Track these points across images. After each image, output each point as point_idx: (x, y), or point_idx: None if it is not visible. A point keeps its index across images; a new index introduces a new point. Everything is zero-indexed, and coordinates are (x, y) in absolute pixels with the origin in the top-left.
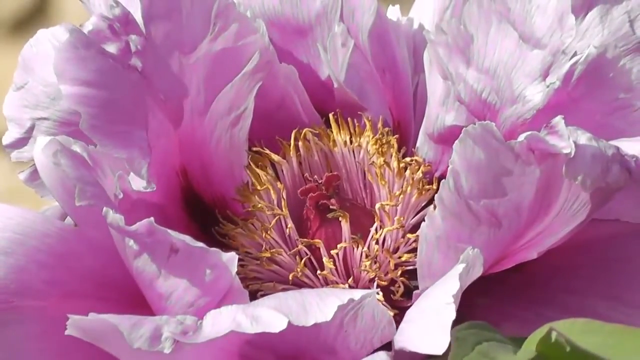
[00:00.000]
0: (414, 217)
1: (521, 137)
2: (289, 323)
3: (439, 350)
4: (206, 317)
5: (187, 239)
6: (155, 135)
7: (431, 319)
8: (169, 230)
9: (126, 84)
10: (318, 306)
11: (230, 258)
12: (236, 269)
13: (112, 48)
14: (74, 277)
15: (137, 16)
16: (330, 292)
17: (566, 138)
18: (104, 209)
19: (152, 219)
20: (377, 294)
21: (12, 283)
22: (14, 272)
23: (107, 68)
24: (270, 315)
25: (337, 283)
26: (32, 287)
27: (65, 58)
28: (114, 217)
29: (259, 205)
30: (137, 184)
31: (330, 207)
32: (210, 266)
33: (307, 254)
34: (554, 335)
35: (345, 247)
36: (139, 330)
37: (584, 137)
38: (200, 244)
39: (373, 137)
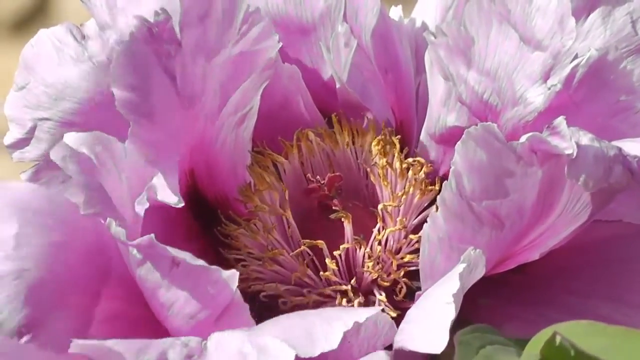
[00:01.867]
0: (416, 217)
1: (523, 138)
2: (296, 356)
3: (438, 349)
4: (210, 339)
5: (188, 256)
6: (177, 142)
7: (430, 318)
8: (169, 248)
9: (164, 91)
10: (324, 334)
11: (231, 275)
12: (236, 284)
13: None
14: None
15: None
16: (335, 316)
17: (568, 139)
18: (108, 219)
19: (152, 235)
20: (383, 302)
21: (63, 278)
22: (65, 268)
23: (152, 74)
24: (276, 347)
25: (339, 284)
26: (78, 283)
27: (121, 63)
28: (117, 229)
29: (261, 205)
30: (164, 195)
31: (333, 207)
32: (211, 283)
33: (309, 255)
34: (557, 338)
35: (347, 248)
36: (144, 356)
37: (585, 138)
38: (201, 262)
39: (375, 138)
